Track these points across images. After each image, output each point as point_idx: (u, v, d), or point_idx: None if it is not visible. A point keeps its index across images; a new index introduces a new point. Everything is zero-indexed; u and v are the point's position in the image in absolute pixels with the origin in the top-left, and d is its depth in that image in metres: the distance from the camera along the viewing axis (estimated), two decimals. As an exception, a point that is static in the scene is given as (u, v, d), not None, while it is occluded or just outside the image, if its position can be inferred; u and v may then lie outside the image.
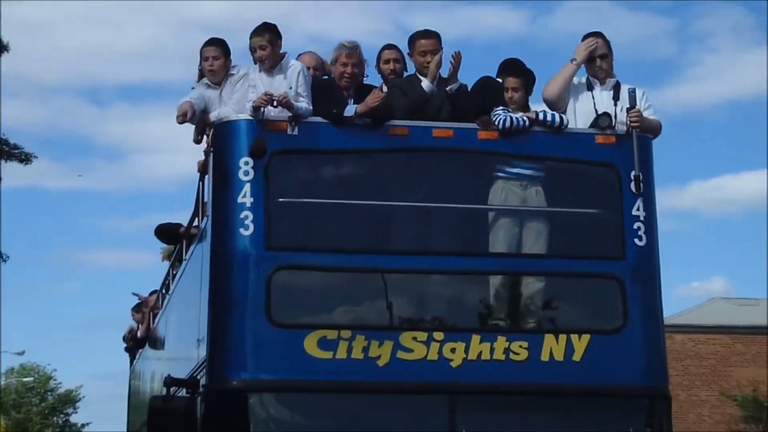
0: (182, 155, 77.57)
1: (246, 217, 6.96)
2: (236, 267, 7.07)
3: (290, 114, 7.12)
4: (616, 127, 7.51)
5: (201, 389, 7.06)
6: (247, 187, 7.00)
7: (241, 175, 7.01)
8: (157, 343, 12.10)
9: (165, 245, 11.42)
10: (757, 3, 61.41)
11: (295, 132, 7.18)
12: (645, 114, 7.40)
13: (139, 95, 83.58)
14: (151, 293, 12.81)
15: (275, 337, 6.89)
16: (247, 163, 7.00)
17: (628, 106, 7.32)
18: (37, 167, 22.23)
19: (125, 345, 14.61)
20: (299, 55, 7.94)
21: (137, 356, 14.39)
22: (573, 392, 7.05)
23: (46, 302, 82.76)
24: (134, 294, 13.41)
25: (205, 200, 8.08)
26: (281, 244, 7.05)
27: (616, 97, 7.51)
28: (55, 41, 70.42)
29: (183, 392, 7.24)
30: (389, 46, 8.10)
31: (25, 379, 52.85)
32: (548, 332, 7.10)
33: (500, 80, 7.69)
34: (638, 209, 7.33)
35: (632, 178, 7.27)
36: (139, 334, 13.14)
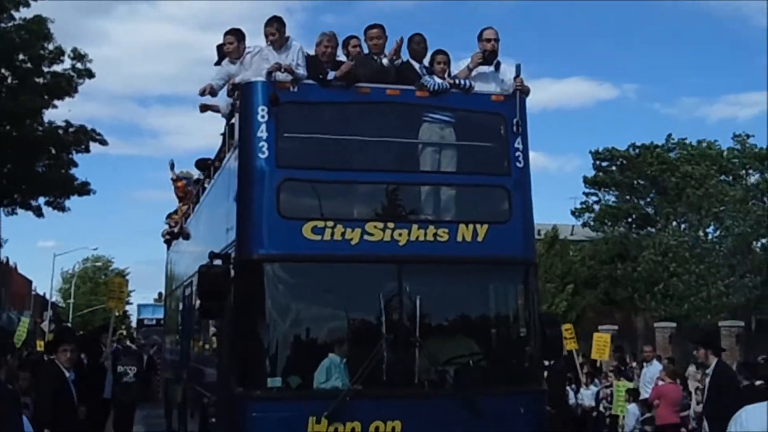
0: (195, 137, 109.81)
1: (263, 145, 8.40)
2: (256, 178, 8.46)
3: (292, 78, 8.69)
4: (497, 90, 9.15)
5: (232, 261, 8.52)
6: (263, 126, 8.43)
7: (259, 118, 8.47)
8: (188, 236, 13.89)
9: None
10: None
11: (295, 89, 8.69)
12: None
13: (170, 101, 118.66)
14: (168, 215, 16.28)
15: (282, 226, 8.33)
16: (263, 110, 8.47)
17: (515, 75, 9.14)
18: (109, 143, 29.55)
19: (163, 239, 16.74)
20: None
21: (171, 246, 16.44)
22: (478, 261, 8.74)
23: (113, 220, 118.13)
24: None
25: (230, 138, 9.58)
26: (287, 163, 8.51)
27: (497, 71, 9.37)
28: (119, 68, 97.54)
29: (219, 262, 8.58)
30: (354, 36, 9.67)
31: (95, 263, 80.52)
32: (461, 222, 8.76)
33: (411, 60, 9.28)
34: (518, 143, 9.02)
35: (514, 122, 8.99)
36: (174, 230, 15.26)
